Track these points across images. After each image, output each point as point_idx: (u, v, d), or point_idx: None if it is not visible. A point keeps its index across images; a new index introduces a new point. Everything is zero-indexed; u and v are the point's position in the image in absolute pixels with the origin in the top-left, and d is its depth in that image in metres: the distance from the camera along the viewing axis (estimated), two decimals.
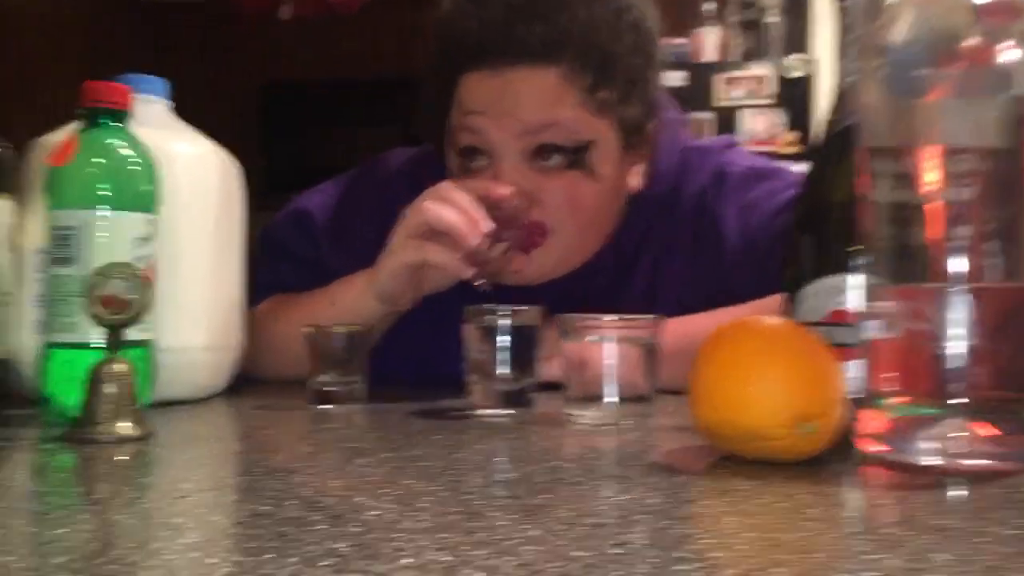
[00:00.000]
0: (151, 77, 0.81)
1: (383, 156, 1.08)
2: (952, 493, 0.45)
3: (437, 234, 0.80)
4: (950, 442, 0.50)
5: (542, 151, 0.87)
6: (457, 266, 0.80)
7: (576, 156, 0.88)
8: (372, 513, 0.39)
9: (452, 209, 0.80)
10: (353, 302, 0.89)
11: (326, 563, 0.32)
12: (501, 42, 0.87)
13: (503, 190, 0.84)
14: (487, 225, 0.80)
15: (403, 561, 0.32)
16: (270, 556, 0.33)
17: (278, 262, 1.03)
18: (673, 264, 0.96)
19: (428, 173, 0.95)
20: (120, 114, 0.69)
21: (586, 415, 0.68)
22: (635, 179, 0.96)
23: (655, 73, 0.95)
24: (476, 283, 0.81)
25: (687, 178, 0.96)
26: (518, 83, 0.87)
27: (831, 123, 0.64)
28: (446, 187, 0.84)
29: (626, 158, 0.93)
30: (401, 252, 0.83)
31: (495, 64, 0.87)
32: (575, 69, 0.87)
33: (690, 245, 0.95)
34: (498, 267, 0.83)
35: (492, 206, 0.83)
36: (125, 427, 0.57)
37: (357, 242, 0.95)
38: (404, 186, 0.97)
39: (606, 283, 0.96)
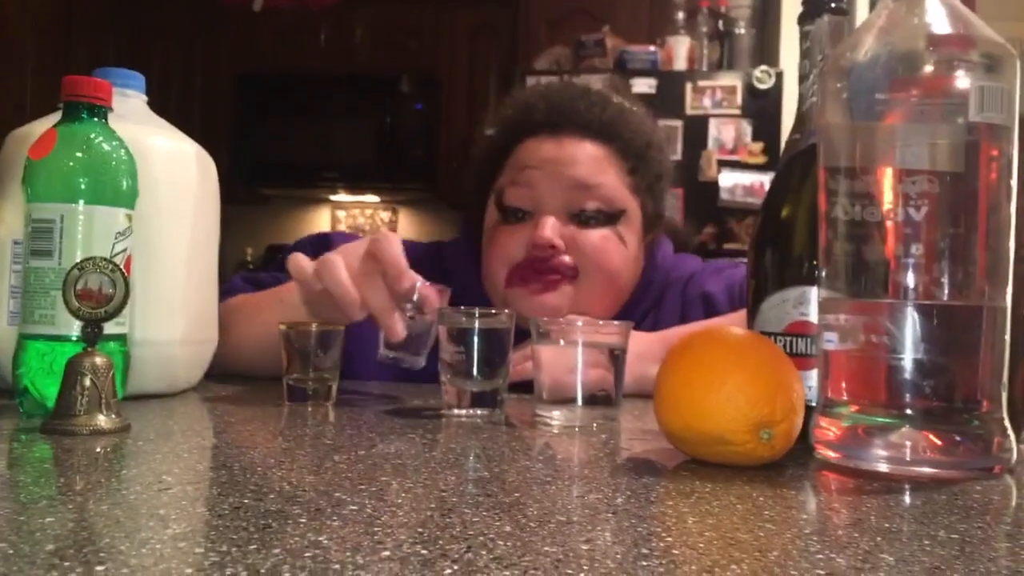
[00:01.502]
0: (129, 71, 0.82)
1: (419, 243, 1.23)
2: (901, 498, 0.48)
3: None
4: (901, 450, 0.53)
5: (582, 213, 1.02)
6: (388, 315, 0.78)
7: (611, 220, 1.03)
8: (351, 508, 0.41)
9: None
10: (299, 302, 0.90)
11: (309, 555, 0.34)
12: (563, 115, 1.05)
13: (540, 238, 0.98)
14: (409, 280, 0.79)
15: (383, 554, 0.34)
16: (255, 547, 0.34)
17: (283, 269, 1.10)
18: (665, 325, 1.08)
19: (450, 256, 1.14)
20: (99, 109, 0.70)
21: (555, 417, 0.70)
22: (643, 265, 1.12)
23: (668, 187, 1.13)
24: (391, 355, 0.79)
25: (675, 273, 1.15)
26: (572, 147, 1.04)
27: (792, 141, 0.66)
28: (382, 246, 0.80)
29: (641, 243, 1.09)
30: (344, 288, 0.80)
31: (554, 131, 1.05)
32: (619, 151, 1.05)
33: (679, 313, 1.11)
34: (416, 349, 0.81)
35: (530, 246, 0.97)
36: (103, 419, 0.58)
37: None
38: (425, 262, 1.10)
39: None
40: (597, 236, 1.03)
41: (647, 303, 1.11)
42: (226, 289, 1.07)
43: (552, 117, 1.05)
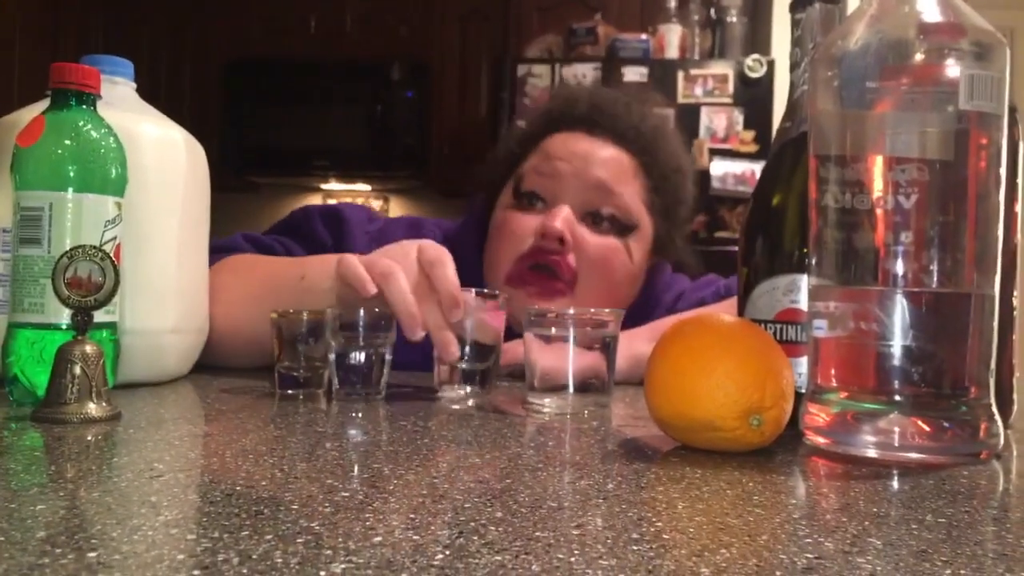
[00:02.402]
0: (118, 59, 0.81)
1: (425, 220, 1.22)
2: (889, 483, 0.48)
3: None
4: (890, 436, 0.53)
5: (596, 214, 1.02)
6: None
7: (623, 232, 1.03)
8: (343, 494, 0.41)
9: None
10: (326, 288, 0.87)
11: (301, 540, 0.34)
12: (603, 117, 1.05)
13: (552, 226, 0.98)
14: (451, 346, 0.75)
15: (375, 540, 0.34)
16: (247, 533, 0.34)
17: (288, 234, 1.13)
18: None
19: (459, 249, 1.10)
20: (88, 96, 0.69)
21: (547, 404, 0.70)
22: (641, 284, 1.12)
23: (685, 222, 1.12)
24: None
25: (666, 294, 1.16)
26: (601, 149, 1.04)
27: (783, 129, 0.67)
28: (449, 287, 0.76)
29: (646, 262, 1.09)
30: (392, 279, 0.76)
31: (590, 130, 1.05)
32: (646, 166, 1.05)
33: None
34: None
35: (539, 235, 0.97)
36: (93, 408, 0.58)
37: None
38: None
39: None
40: (605, 244, 1.02)
41: (636, 321, 1.09)
42: (226, 244, 1.05)
43: (592, 115, 1.06)
